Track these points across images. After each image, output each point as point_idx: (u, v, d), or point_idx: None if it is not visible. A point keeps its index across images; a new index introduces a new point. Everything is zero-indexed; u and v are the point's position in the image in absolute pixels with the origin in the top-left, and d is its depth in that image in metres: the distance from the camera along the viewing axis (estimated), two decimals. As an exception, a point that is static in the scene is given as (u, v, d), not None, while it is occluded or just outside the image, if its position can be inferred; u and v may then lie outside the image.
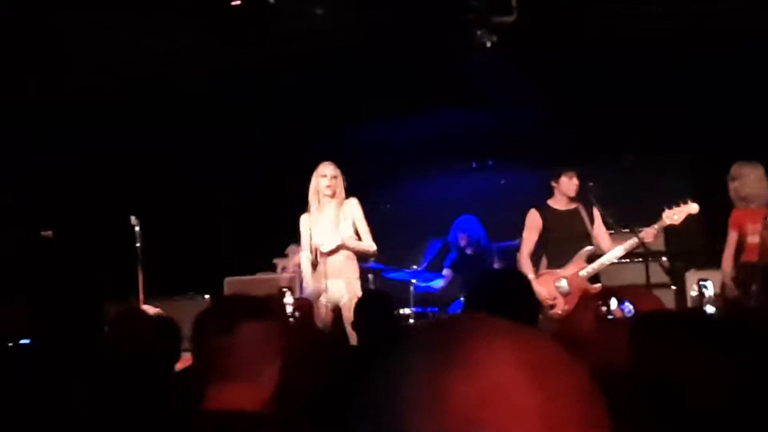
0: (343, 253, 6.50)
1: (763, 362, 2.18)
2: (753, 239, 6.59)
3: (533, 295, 3.32)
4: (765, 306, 5.08)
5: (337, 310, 6.46)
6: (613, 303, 4.37)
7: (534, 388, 0.79)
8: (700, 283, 7.17)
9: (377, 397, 0.83)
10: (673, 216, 6.54)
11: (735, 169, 6.74)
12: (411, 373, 0.82)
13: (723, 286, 6.76)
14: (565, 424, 0.79)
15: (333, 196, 6.51)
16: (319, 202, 6.55)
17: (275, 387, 2.29)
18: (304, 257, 6.72)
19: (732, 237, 6.70)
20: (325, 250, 6.44)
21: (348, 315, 6.07)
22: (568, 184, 6.83)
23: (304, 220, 6.64)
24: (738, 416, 1.97)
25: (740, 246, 6.65)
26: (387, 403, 0.81)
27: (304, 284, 6.76)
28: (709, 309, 6.29)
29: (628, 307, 4.19)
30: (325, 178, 6.50)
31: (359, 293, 6.33)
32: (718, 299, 6.94)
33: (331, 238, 6.48)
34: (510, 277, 3.53)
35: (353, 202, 6.54)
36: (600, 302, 4.62)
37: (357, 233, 6.60)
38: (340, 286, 6.42)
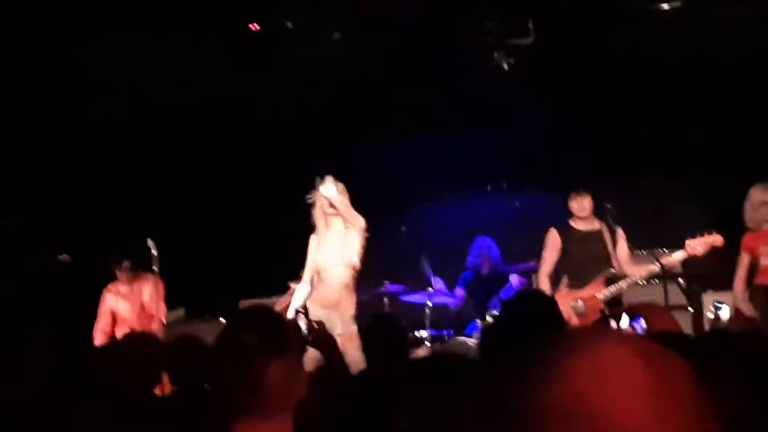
0: (341, 282, 6.39)
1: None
2: (766, 261, 6.57)
3: (560, 316, 3.32)
4: None
5: (332, 341, 6.32)
6: (625, 320, 4.38)
7: (645, 370, 0.86)
8: (715, 304, 7.17)
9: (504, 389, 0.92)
10: (697, 247, 6.51)
11: (753, 192, 6.73)
12: (531, 359, 0.91)
13: (736, 309, 6.75)
14: (673, 407, 0.84)
15: (331, 215, 6.43)
16: (325, 221, 6.50)
17: (295, 419, 2.26)
18: (299, 288, 6.65)
19: (744, 259, 6.67)
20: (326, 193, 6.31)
21: (344, 346, 5.98)
22: (577, 206, 6.85)
23: (313, 241, 6.60)
24: None
25: (753, 268, 6.63)
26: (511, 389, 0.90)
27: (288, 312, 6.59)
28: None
29: (641, 324, 4.18)
30: (325, 198, 6.45)
31: (353, 328, 6.22)
32: (732, 322, 6.92)
33: (337, 256, 6.43)
34: (540, 298, 3.52)
35: (359, 220, 6.47)
36: (612, 319, 4.62)
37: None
38: (334, 318, 6.24)
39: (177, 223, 9.47)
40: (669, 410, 0.84)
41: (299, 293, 6.59)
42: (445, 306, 8.61)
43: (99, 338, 7.62)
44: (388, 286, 8.22)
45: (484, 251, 8.61)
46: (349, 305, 6.43)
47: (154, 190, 9.61)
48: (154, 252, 7.41)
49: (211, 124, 8.98)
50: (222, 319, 8.32)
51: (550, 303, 3.41)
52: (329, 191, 6.36)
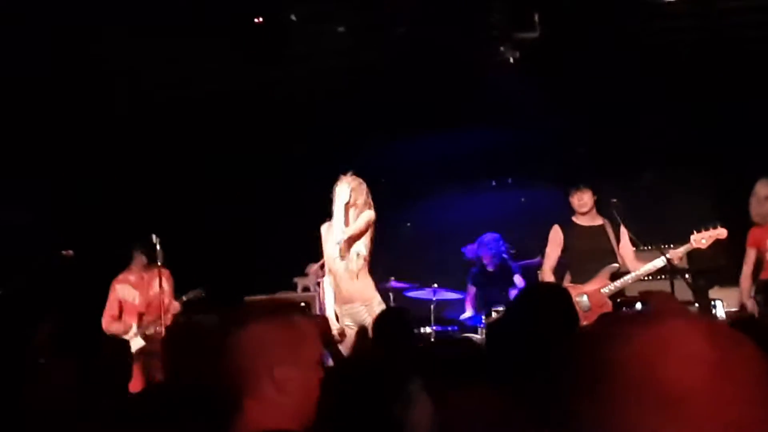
0: (346, 273, 6.40)
1: None
2: None
3: (574, 308, 3.29)
4: None
5: (362, 331, 6.39)
6: (638, 308, 4.38)
7: (710, 343, 0.87)
8: (712, 303, 7.17)
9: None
10: (701, 240, 6.51)
11: (759, 186, 6.71)
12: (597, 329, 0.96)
13: (741, 304, 6.72)
14: (737, 381, 0.85)
15: (349, 208, 6.43)
16: (339, 213, 6.49)
17: (313, 406, 2.15)
18: (326, 282, 6.67)
19: (750, 254, 6.66)
20: (338, 250, 6.32)
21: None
22: (577, 202, 6.85)
23: (324, 230, 6.59)
24: None
25: (759, 263, 6.60)
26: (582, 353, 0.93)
27: (326, 305, 6.69)
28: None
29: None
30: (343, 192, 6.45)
31: (378, 311, 6.29)
32: (729, 317, 6.91)
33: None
34: (553, 289, 3.48)
35: (367, 212, 6.46)
36: (624, 308, 4.61)
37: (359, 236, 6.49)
38: (359, 309, 6.36)
39: (179, 219, 9.45)
40: (732, 385, 0.85)
41: (327, 285, 6.59)
42: (452, 302, 8.60)
43: (108, 324, 7.63)
44: (393, 283, 8.20)
45: (486, 249, 8.59)
46: (368, 292, 6.43)
47: (158, 184, 9.59)
48: (158, 247, 7.41)
49: (214, 120, 8.96)
50: (224, 314, 8.32)
51: (566, 295, 3.38)
52: (341, 190, 6.38)
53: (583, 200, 6.83)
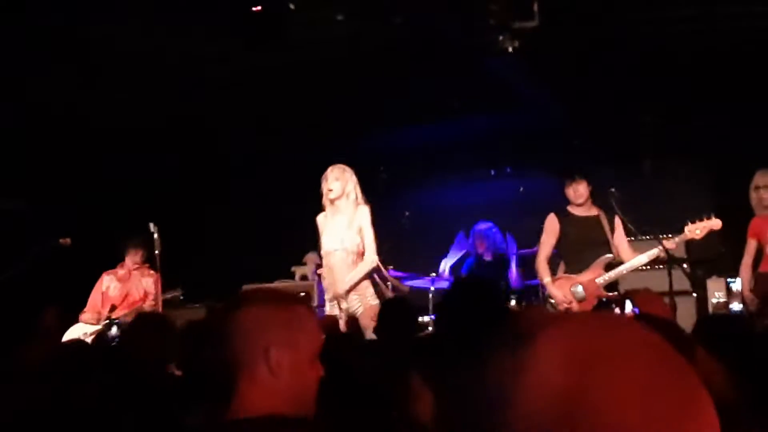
0: (342, 266, 6.42)
1: None
2: None
3: (501, 302, 3.30)
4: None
5: (353, 321, 6.42)
6: (624, 305, 4.40)
7: (565, 369, 0.80)
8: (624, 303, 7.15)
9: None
10: (696, 230, 6.51)
11: (758, 176, 6.70)
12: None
13: (742, 297, 6.73)
14: (593, 408, 0.78)
15: (335, 200, 6.45)
16: (331, 204, 6.51)
17: (310, 396, 2.11)
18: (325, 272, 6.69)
19: (751, 245, 6.66)
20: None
21: (365, 323, 6.06)
22: (573, 193, 6.83)
23: (319, 220, 6.61)
24: None
25: (759, 254, 6.60)
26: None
27: (325, 290, 6.73)
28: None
29: (632, 308, 4.20)
30: (326, 181, 6.47)
31: (372, 302, 6.34)
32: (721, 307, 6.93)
33: (336, 242, 6.43)
34: (479, 285, 3.46)
35: (363, 210, 6.47)
36: (615, 306, 4.63)
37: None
38: (352, 299, 6.38)
39: (179, 207, 9.46)
40: (587, 413, 0.77)
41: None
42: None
43: (83, 313, 7.66)
44: (392, 272, 8.21)
45: (482, 239, 8.60)
46: (362, 284, 6.45)
47: (156, 173, 9.59)
48: (156, 235, 7.43)
49: (213, 107, 8.95)
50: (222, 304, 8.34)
51: (492, 291, 3.37)
52: (330, 181, 6.41)
53: (578, 191, 6.82)
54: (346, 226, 6.42)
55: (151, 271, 7.90)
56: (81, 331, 7.41)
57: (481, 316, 2.97)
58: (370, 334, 5.87)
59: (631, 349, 0.82)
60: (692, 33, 7.46)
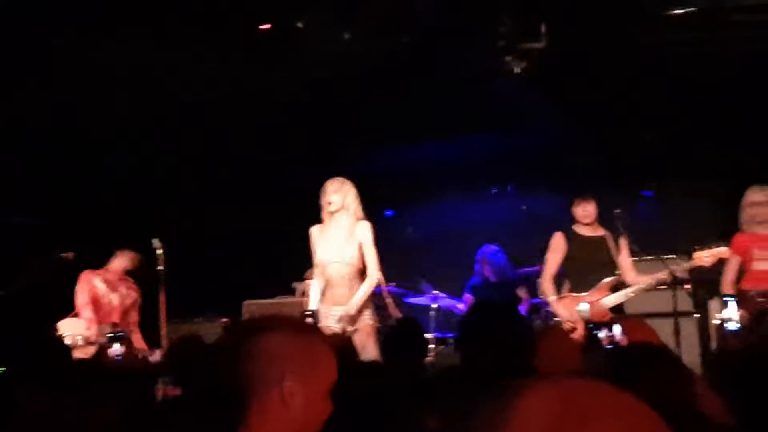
0: (342, 279, 6.36)
1: None
2: (759, 266, 6.50)
3: (523, 325, 3.29)
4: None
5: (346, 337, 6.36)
6: (613, 330, 4.42)
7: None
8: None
9: None
10: (704, 257, 6.49)
11: (754, 193, 6.69)
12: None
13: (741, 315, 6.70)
14: None
15: (334, 212, 6.42)
16: (331, 217, 6.48)
17: (320, 427, 2.08)
18: (314, 283, 6.63)
19: (733, 262, 6.58)
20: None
21: (360, 341, 6.01)
22: (581, 212, 6.83)
23: (313, 232, 6.56)
24: None
25: (741, 272, 6.56)
26: None
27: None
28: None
29: (621, 335, 4.23)
30: (325, 194, 6.45)
31: (369, 321, 6.29)
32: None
33: (334, 254, 6.39)
34: (500, 309, 3.48)
35: (364, 225, 6.43)
36: (605, 329, 4.65)
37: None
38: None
39: (180, 223, 9.43)
40: None
41: (313, 289, 6.56)
42: (451, 311, 8.59)
43: (88, 319, 7.44)
44: (392, 288, 8.19)
45: (484, 259, 8.61)
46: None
47: (160, 189, 9.58)
48: (160, 251, 7.37)
49: (217, 123, 8.94)
50: (224, 319, 8.32)
51: (513, 314, 3.37)
52: (330, 194, 6.38)
53: (587, 210, 6.81)
54: (344, 239, 6.38)
55: (134, 286, 7.77)
56: (71, 331, 7.16)
57: (509, 342, 2.97)
58: (367, 353, 5.85)
59: (609, 413, 0.87)
60: (699, 55, 7.50)
